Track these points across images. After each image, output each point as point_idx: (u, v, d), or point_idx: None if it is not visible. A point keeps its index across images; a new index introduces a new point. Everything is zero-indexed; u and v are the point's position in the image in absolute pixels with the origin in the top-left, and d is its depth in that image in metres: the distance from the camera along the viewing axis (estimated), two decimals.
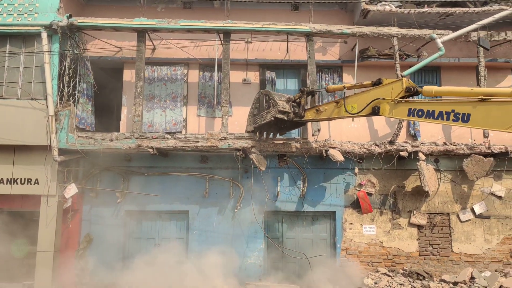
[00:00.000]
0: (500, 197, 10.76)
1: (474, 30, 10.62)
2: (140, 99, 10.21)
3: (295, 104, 9.07)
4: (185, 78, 11.37)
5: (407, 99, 6.94)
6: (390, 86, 7.21)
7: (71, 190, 10.08)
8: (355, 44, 11.06)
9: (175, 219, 10.74)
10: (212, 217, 10.59)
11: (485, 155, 10.38)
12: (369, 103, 7.41)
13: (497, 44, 11.15)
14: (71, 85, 10.31)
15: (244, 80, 11.36)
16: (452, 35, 10.38)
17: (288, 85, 11.60)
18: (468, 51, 11.40)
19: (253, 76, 11.46)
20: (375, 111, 7.32)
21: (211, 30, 10.45)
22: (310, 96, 9.36)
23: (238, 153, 10.04)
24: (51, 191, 10.01)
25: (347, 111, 7.89)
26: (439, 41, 10.14)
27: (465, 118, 6.17)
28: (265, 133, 10.15)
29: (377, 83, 7.41)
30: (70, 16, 10.17)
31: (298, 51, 11.43)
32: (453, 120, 6.29)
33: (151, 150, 9.85)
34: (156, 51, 11.34)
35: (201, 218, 10.58)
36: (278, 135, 10.30)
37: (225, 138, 10.04)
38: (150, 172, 10.62)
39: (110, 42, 11.29)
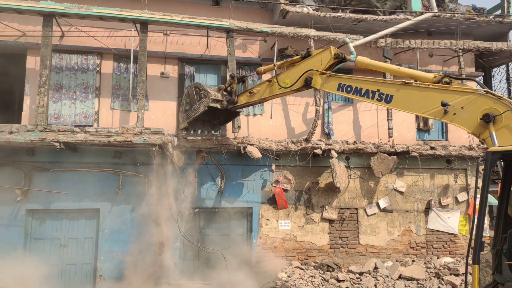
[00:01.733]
0: (401, 192, 11.69)
1: (382, 37, 11.39)
2: (46, 89, 9.41)
3: (226, 93, 8.99)
4: (97, 69, 10.72)
5: (338, 75, 7.22)
6: (320, 55, 7.45)
7: None
8: (274, 43, 11.27)
9: (84, 217, 10.09)
10: (125, 215, 10.14)
11: (390, 153, 11.19)
12: (301, 75, 7.55)
13: (402, 51, 12.08)
14: None
15: (162, 73, 11.02)
16: (362, 40, 11.03)
17: (208, 81, 11.47)
18: (377, 55, 12.13)
19: (172, 70, 11.16)
20: (308, 82, 7.47)
21: (127, 20, 9.95)
22: (242, 82, 9.31)
23: (154, 149, 9.70)
24: None
25: (281, 87, 7.94)
26: (351, 45, 10.70)
27: (388, 99, 6.52)
28: (199, 130, 9.90)
29: (307, 56, 7.61)
30: None
31: (218, 47, 11.35)
32: (377, 100, 6.64)
33: (57, 144, 9.12)
34: (65, 38, 10.53)
35: (113, 216, 10.07)
36: (212, 131, 10.13)
37: (141, 133, 9.62)
38: (56, 168, 9.85)
39: (12, 25, 10.25)
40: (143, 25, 10.04)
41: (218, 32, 10.76)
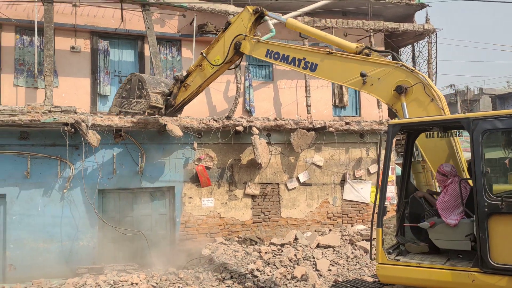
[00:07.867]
0: (319, 166, 12.26)
1: (300, 15, 11.64)
2: None
3: (170, 97, 8.72)
4: None
5: (266, 41, 7.35)
6: (239, 18, 7.56)
7: None
8: (193, 19, 11.02)
9: None
10: (36, 200, 9.48)
11: (308, 129, 11.61)
12: (230, 44, 7.55)
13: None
14: None
15: (73, 48, 10.29)
16: (280, 18, 11.15)
17: (123, 56, 10.94)
18: (295, 34, 12.37)
19: (84, 44, 10.46)
20: (237, 48, 7.51)
21: None
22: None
23: (66, 128, 9.12)
24: None
25: (214, 66, 7.89)
26: (270, 23, 10.73)
27: (313, 68, 6.76)
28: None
29: (227, 26, 7.70)
30: None
31: (134, 21, 10.83)
32: (303, 68, 6.87)
33: None
34: None
35: (22, 202, 9.37)
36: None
37: (50, 111, 8.97)
38: None
39: None
40: None
41: (133, 4, 10.25)
